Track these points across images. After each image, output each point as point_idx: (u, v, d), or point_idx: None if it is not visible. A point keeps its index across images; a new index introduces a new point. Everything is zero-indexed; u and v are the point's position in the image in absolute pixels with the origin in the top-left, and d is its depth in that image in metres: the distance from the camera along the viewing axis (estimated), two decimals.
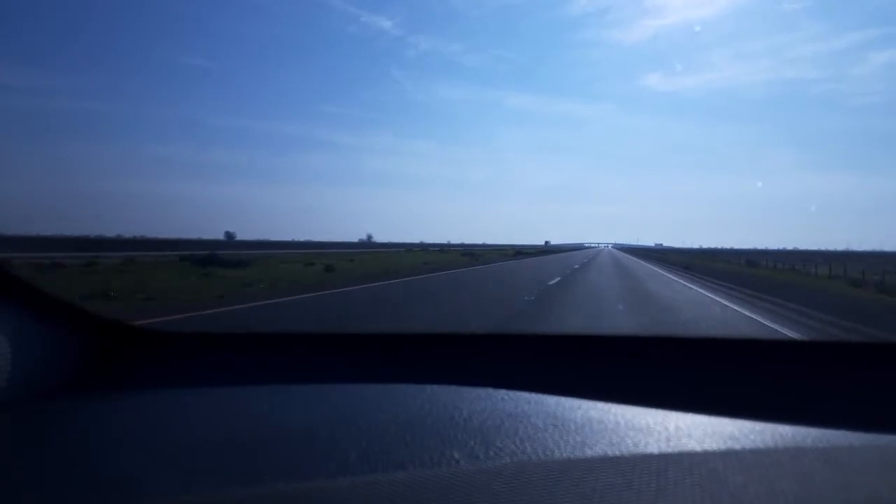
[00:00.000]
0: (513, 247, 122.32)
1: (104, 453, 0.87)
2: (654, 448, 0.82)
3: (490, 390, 1.09)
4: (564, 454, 0.81)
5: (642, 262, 44.48)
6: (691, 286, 18.70)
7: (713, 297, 14.85)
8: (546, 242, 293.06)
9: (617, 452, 0.81)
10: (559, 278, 20.14)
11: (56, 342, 1.21)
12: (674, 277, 23.48)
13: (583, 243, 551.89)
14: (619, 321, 9.49)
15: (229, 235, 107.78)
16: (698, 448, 0.83)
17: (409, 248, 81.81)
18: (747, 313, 11.04)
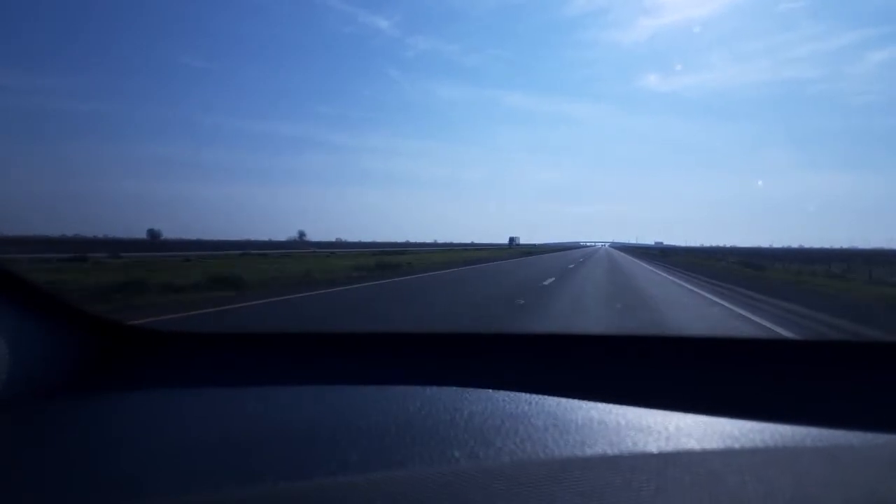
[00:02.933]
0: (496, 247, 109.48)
1: (104, 453, 0.87)
2: (653, 448, 0.82)
3: (490, 391, 1.09)
4: (564, 454, 0.81)
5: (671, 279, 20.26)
6: None
7: None
8: (511, 240, 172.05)
9: (616, 452, 0.81)
10: None
11: (56, 342, 1.21)
12: None
13: (579, 242, 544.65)
14: None
15: (153, 234, 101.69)
16: (697, 448, 0.83)
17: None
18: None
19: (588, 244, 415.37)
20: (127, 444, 0.90)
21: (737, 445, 0.84)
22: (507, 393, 1.08)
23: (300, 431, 0.93)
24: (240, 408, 1.09)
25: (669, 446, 0.83)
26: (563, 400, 1.04)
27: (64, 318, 1.24)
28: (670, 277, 20.95)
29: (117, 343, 1.35)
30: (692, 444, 0.85)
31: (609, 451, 0.81)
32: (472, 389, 1.10)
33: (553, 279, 17.87)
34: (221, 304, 10.31)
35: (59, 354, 1.21)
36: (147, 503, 0.71)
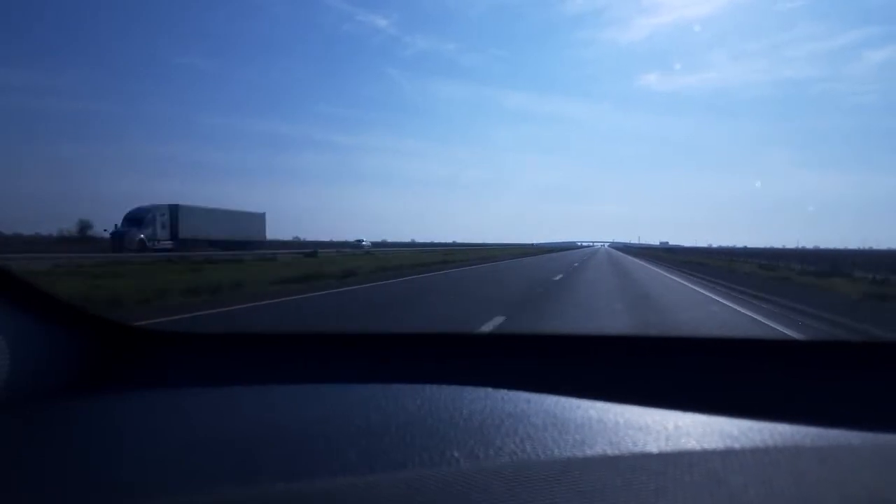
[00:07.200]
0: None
1: (105, 453, 0.87)
2: (653, 447, 0.82)
3: (490, 390, 1.09)
4: (564, 453, 0.81)
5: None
6: None
7: None
8: (363, 239, 79.57)
9: (616, 452, 0.81)
10: None
11: (57, 342, 1.21)
12: None
13: (576, 242, 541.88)
14: None
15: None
16: (697, 447, 0.83)
17: None
18: None
19: (586, 244, 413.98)
20: (128, 444, 0.90)
21: (737, 445, 0.84)
22: (506, 392, 1.08)
23: (300, 431, 0.93)
24: (240, 408, 1.09)
25: (669, 445, 0.83)
26: (562, 399, 1.04)
27: (65, 319, 1.24)
28: None
29: (118, 343, 1.35)
30: (692, 443, 0.84)
31: (609, 451, 0.81)
32: (470, 388, 1.10)
33: None
34: None
35: (60, 355, 1.21)
36: (147, 503, 0.71)
